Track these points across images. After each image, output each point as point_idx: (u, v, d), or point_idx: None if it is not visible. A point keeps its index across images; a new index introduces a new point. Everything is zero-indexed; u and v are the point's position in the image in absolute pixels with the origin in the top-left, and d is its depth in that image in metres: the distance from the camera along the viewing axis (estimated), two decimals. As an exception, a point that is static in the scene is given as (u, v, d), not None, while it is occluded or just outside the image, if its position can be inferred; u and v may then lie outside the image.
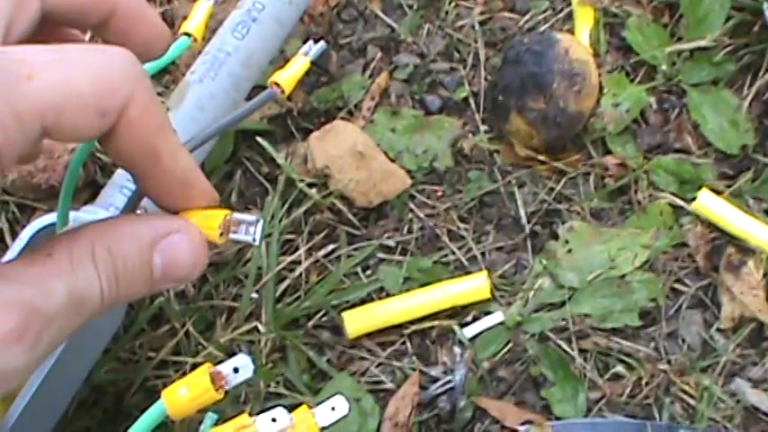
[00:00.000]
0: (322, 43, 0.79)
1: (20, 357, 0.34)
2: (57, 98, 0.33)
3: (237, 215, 0.41)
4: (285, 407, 0.54)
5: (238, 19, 0.85)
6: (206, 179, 0.41)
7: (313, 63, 0.79)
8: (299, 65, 0.78)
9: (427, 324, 0.87)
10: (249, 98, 0.86)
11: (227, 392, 0.52)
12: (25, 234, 0.71)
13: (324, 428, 0.59)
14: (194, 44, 0.80)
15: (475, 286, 0.87)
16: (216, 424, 0.58)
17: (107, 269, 0.37)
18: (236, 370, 0.52)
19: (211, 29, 0.83)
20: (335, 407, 0.60)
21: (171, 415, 0.54)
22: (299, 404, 0.54)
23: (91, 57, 0.35)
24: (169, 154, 0.38)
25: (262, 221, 0.41)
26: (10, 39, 0.36)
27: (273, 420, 0.56)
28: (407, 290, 0.88)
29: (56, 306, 0.35)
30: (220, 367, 0.52)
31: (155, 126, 0.37)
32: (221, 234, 0.41)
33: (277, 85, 0.77)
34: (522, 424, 0.82)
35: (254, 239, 0.41)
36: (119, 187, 0.78)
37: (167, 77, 0.96)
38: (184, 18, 0.84)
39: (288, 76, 0.77)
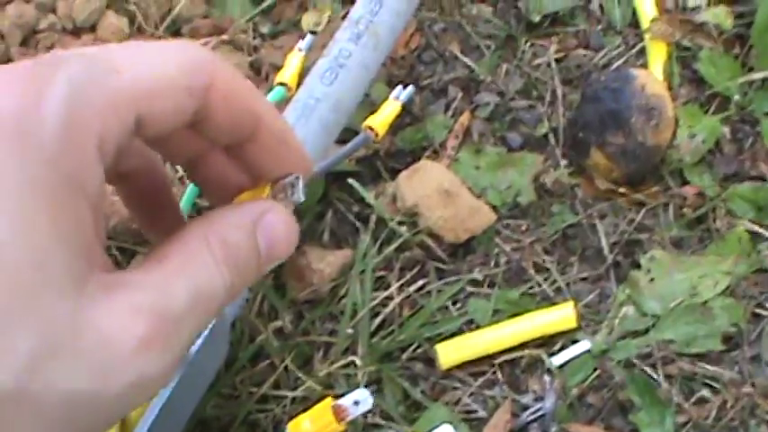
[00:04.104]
0: (411, 87, 0.83)
1: (154, 365, 0.33)
2: (147, 84, 0.34)
3: (279, 183, 0.40)
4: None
5: (326, 66, 0.88)
6: (298, 140, 0.41)
7: (403, 106, 0.83)
8: (390, 109, 0.82)
9: (516, 354, 0.88)
10: (338, 141, 0.90)
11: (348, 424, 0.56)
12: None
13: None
14: (288, 93, 0.84)
15: (562, 316, 0.88)
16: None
17: (227, 260, 0.36)
18: (356, 403, 0.55)
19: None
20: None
21: (296, 446, 0.58)
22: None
23: (170, 47, 0.36)
24: (267, 113, 0.39)
25: (301, 177, 0.40)
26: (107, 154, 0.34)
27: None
28: (496, 321, 0.89)
29: (181, 307, 0.35)
30: (342, 401, 0.56)
31: (248, 91, 0.38)
32: None
33: (371, 128, 0.81)
34: (613, 448, 0.84)
35: (299, 197, 0.40)
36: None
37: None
38: (276, 68, 0.89)
39: (381, 120, 0.81)
